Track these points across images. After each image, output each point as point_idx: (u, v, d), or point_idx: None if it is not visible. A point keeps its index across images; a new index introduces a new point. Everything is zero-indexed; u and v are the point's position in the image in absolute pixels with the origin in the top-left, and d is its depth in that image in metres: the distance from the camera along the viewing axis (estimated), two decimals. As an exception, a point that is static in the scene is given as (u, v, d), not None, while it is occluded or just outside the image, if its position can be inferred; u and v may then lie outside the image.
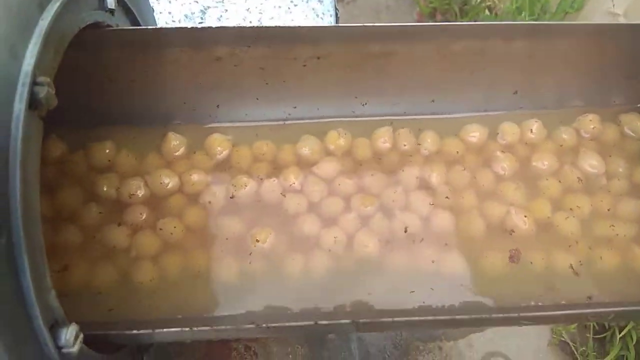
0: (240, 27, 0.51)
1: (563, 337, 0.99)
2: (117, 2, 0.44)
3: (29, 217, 0.31)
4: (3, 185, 0.30)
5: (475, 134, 0.54)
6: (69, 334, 0.33)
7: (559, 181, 0.53)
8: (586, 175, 0.54)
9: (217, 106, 0.55)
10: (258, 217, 0.51)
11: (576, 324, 1.01)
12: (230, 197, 0.51)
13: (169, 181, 0.51)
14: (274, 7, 0.75)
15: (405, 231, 0.50)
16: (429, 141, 0.54)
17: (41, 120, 0.32)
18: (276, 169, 0.53)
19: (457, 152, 0.54)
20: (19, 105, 0.30)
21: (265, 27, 0.50)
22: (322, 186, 0.52)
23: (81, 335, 0.34)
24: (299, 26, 0.50)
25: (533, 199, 0.52)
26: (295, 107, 0.55)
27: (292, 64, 0.51)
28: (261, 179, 0.52)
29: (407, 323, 0.44)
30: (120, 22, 0.47)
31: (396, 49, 0.51)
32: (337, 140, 0.54)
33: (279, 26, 0.49)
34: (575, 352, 0.96)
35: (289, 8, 0.75)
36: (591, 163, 0.54)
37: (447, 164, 0.54)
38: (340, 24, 0.49)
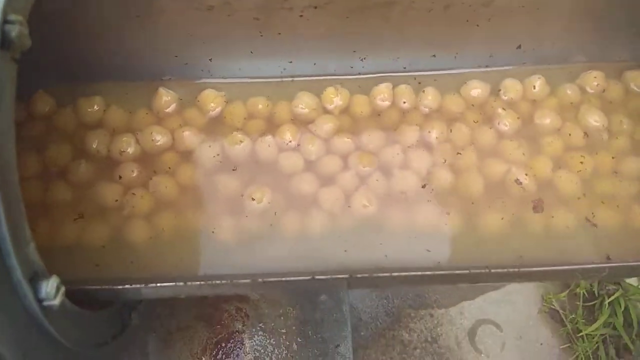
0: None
1: (553, 305, 0.99)
2: None
3: (4, 165, 0.29)
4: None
5: (477, 90, 0.53)
6: (50, 287, 0.32)
7: (562, 138, 0.52)
8: (589, 132, 0.52)
9: (210, 60, 0.52)
10: (253, 176, 0.50)
11: (566, 292, 1.02)
12: (224, 155, 0.50)
13: (160, 138, 0.49)
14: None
15: (404, 191, 0.49)
16: (430, 98, 0.53)
17: (14, 63, 0.30)
18: (272, 126, 0.51)
19: (458, 109, 0.52)
20: None
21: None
22: (319, 144, 0.51)
23: (62, 288, 0.33)
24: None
25: (535, 156, 0.51)
26: (290, 62, 0.53)
27: (287, 14, 0.49)
28: (257, 136, 0.51)
29: (405, 279, 0.43)
30: None
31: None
32: (335, 97, 0.52)
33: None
34: (565, 320, 0.96)
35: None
36: (594, 119, 0.52)
37: (448, 122, 0.52)
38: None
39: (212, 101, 0.52)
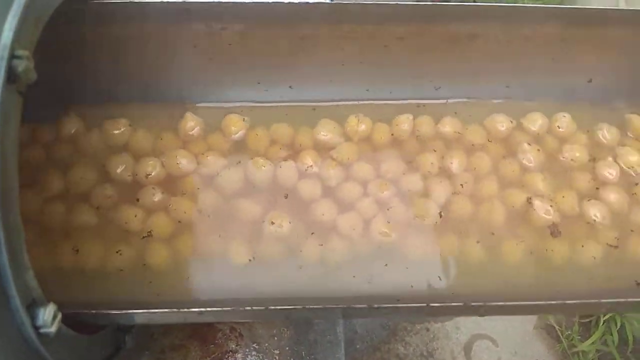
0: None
1: (549, 320, 1.00)
2: None
3: (6, 193, 0.30)
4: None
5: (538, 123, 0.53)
6: (47, 314, 0.33)
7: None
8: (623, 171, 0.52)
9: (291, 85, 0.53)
10: (274, 200, 0.50)
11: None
12: (246, 180, 0.50)
13: (185, 162, 0.50)
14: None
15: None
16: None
17: (20, 95, 0.31)
18: (293, 152, 0.52)
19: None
20: None
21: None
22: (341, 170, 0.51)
23: (59, 315, 0.34)
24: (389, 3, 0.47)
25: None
26: (367, 90, 0.54)
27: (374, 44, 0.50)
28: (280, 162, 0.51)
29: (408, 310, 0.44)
30: None
31: (478, 31, 0.49)
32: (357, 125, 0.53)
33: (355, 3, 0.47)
34: (561, 336, 0.97)
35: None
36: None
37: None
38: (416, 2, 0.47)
39: (234, 125, 0.52)
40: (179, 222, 0.48)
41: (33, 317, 0.32)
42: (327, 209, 0.49)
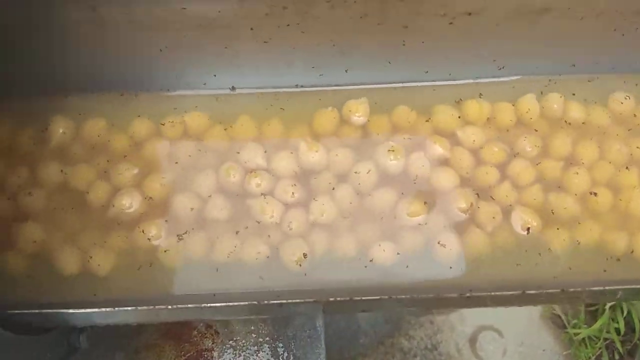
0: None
1: (555, 310, 0.97)
2: None
3: None
4: None
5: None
6: None
7: None
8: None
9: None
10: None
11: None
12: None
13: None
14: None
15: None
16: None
17: None
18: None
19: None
20: None
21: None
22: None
23: None
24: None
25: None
26: (427, 72, 0.51)
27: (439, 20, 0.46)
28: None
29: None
30: None
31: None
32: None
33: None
34: (567, 325, 0.93)
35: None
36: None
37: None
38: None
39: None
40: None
41: None
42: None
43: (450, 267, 0.45)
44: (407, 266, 0.45)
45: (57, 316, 0.38)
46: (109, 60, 0.48)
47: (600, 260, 0.45)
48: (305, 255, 0.45)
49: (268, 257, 0.45)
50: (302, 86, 0.51)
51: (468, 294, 0.38)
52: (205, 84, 0.50)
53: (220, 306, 0.39)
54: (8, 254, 0.45)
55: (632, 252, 0.45)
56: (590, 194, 0.47)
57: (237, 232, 0.46)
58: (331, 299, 0.40)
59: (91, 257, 0.45)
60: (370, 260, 0.45)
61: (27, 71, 0.48)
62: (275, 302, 0.40)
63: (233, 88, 0.51)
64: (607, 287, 0.41)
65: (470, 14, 0.45)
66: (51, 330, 0.43)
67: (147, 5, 0.44)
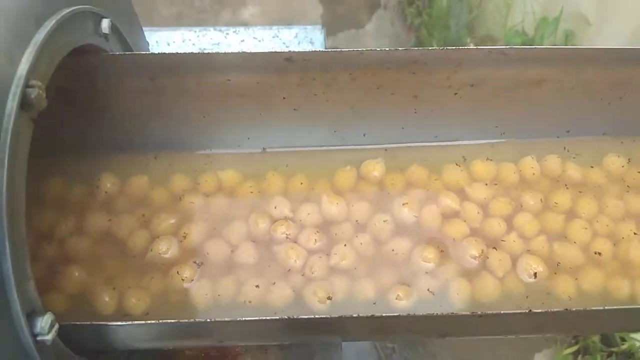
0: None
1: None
2: (112, 29, 0.48)
3: (13, 207, 0.33)
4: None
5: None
6: (44, 322, 0.35)
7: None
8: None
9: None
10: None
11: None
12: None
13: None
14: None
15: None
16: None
17: (32, 122, 0.35)
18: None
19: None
20: (12, 103, 0.33)
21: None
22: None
23: (56, 325, 0.36)
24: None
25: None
26: (436, 137, 0.57)
27: (445, 91, 0.52)
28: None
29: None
30: (115, 49, 0.50)
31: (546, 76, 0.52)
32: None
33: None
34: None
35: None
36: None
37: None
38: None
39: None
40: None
41: (31, 325, 0.34)
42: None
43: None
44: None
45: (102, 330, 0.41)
46: (157, 123, 0.55)
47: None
48: (329, 297, 0.48)
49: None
50: (325, 146, 0.57)
51: (480, 313, 0.40)
52: (239, 145, 0.56)
53: (254, 320, 0.41)
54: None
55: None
56: (595, 253, 0.51)
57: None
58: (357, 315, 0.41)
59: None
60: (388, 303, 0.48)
61: (82, 132, 0.55)
62: (308, 316, 0.43)
63: (264, 149, 0.57)
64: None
65: (472, 85, 0.52)
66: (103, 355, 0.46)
67: (198, 77, 0.51)
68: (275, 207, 0.53)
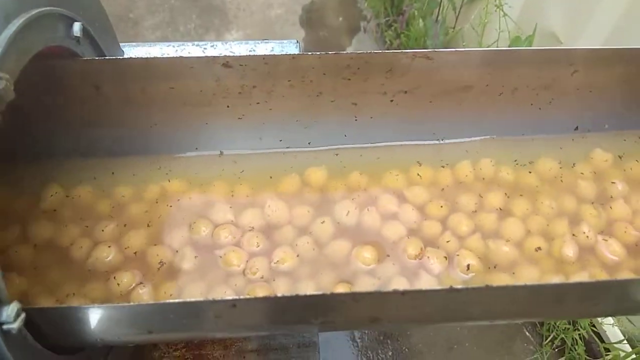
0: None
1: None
2: (84, 34, 0.49)
3: None
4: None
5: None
6: (10, 310, 0.35)
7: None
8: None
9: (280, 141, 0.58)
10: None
11: None
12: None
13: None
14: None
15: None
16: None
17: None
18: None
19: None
20: None
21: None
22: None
23: (23, 314, 0.35)
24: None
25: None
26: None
27: (381, 98, 0.54)
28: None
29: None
30: (87, 53, 0.51)
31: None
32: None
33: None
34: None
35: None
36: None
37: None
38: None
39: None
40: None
41: None
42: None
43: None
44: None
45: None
46: (105, 132, 0.56)
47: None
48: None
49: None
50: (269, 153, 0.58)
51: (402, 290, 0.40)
52: (187, 151, 0.58)
53: (237, 299, 0.39)
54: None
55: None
56: (536, 250, 0.52)
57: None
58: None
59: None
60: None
61: (30, 139, 0.55)
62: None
63: (221, 153, 0.58)
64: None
65: (406, 92, 0.55)
66: (77, 353, 0.45)
67: (142, 85, 0.52)
68: (220, 213, 0.54)
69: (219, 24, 1.90)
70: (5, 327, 0.34)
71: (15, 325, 0.35)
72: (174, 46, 0.75)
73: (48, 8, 0.43)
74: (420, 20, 1.58)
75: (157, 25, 1.87)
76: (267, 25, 1.92)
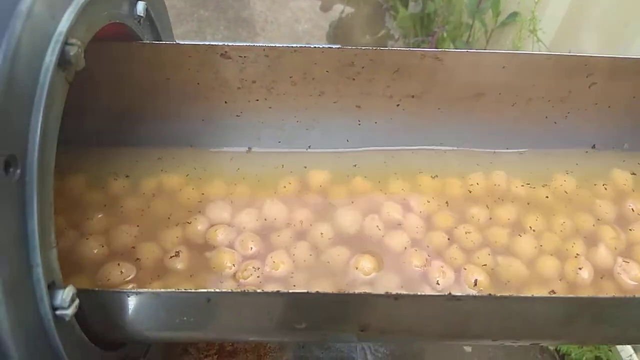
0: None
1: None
2: (146, 15, 0.47)
3: (44, 166, 0.31)
4: (26, 127, 0.30)
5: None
6: (66, 295, 0.32)
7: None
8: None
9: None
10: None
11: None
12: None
13: None
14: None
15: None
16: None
17: (67, 84, 0.34)
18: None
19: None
20: (50, 58, 0.32)
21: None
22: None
23: (77, 300, 0.33)
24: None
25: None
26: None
27: (387, 101, 0.52)
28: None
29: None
30: (146, 35, 0.50)
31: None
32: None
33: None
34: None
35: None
36: None
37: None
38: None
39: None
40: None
41: (52, 297, 0.32)
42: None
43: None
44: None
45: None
46: (105, 119, 0.54)
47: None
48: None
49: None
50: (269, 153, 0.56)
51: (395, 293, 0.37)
52: (184, 146, 0.56)
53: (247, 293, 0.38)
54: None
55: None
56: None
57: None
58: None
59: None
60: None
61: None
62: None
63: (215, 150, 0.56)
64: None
65: (413, 96, 0.52)
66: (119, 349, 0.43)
67: (138, 73, 0.51)
68: (215, 211, 0.52)
69: (246, 36, 1.92)
70: (59, 312, 0.32)
71: (69, 312, 0.32)
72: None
73: (115, -16, 0.42)
74: (450, 43, 1.55)
75: (185, 35, 1.89)
76: (294, 40, 1.93)
